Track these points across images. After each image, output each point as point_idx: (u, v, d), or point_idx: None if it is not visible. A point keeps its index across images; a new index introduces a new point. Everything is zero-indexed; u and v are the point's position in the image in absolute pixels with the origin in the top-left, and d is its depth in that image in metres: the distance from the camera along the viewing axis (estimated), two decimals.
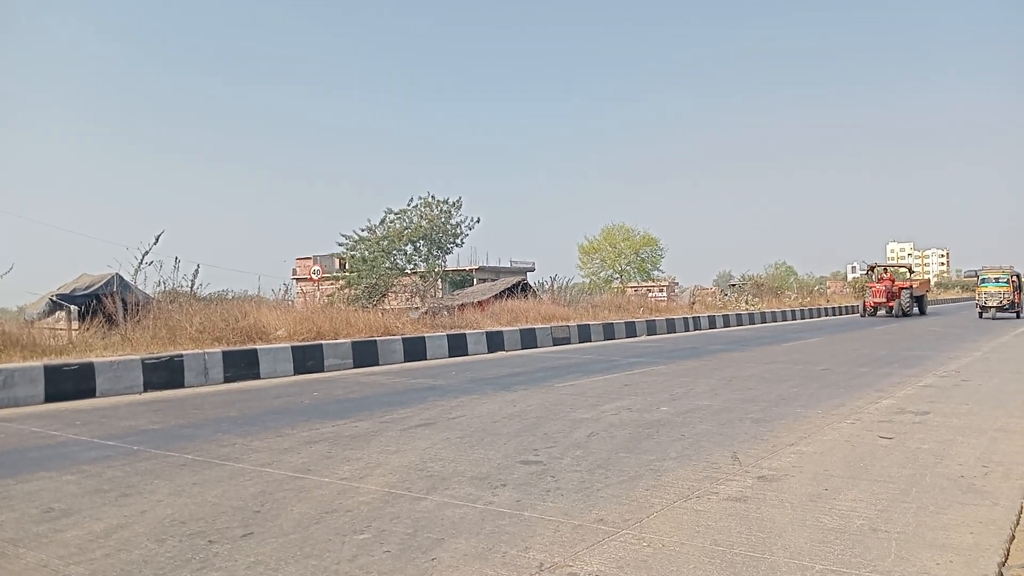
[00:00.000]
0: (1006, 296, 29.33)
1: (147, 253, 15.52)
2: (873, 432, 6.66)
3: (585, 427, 7.02)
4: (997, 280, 29.95)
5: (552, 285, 29.73)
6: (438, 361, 14.64)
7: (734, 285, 47.57)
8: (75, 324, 14.17)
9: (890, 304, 33.06)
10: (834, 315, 38.53)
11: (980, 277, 30.85)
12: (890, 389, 9.49)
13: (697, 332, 24.34)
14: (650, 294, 42.87)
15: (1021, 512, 4.22)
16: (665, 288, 49.28)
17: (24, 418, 8.13)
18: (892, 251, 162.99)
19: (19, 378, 9.10)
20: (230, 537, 3.94)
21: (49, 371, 9.37)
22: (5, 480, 5.28)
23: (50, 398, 9.24)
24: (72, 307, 15.34)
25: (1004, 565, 3.45)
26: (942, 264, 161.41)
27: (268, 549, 3.75)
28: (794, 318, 33.53)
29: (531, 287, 31.83)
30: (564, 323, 20.43)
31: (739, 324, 28.49)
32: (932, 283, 59.67)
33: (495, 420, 7.53)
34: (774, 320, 31.85)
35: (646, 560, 3.52)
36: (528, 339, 17.96)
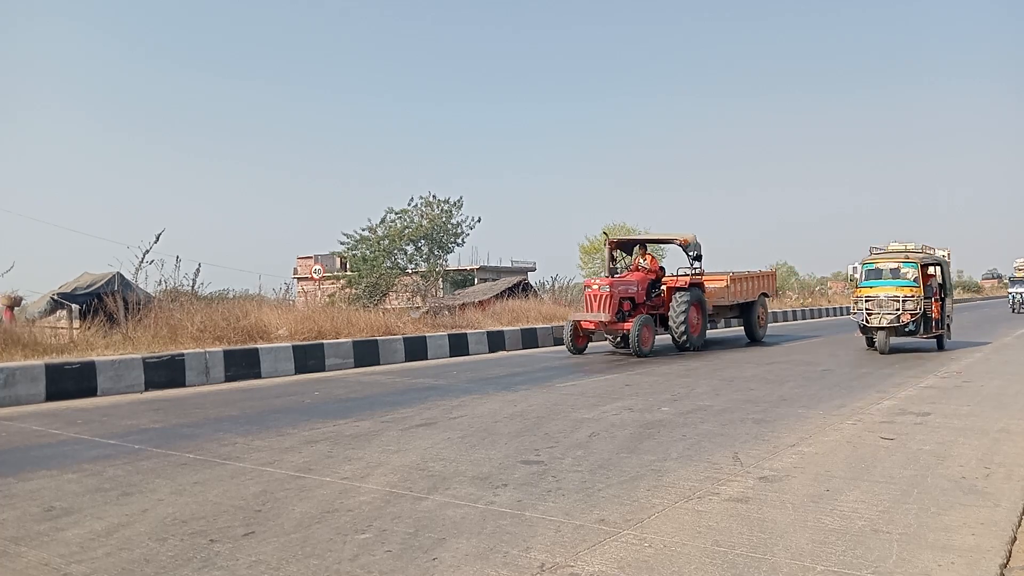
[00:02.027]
0: (910, 303, 14.11)
1: (148, 252, 15.53)
2: (874, 433, 6.65)
3: (586, 427, 7.02)
4: (895, 273, 14.73)
5: (553, 285, 29.72)
6: (439, 361, 14.63)
7: None
8: (76, 323, 14.18)
9: (621, 326, 15.04)
10: (835, 315, 38.50)
11: (863, 267, 15.46)
12: (891, 390, 9.49)
13: None
14: None
15: (1023, 513, 4.22)
16: None
17: (25, 417, 8.13)
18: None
19: (20, 377, 9.10)
20: (231, 536, 3.95)
21: (50, 370, 9.37)
22: (6, 478, 5.29)
23: (51, 397, 9.24)
24: (73, 306, 15.34)
25: (1006, 567, 3.44)
26: None
27: (269, 548, 3.75)
28: (795, 318, 33.45)
29: (532, 287, 31.83)
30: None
31: (740, 325, 28.45)
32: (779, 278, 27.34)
33: (496, 420, 7.53)
34: (775, 320, 31.82)
35: (647, 560, 3.52)
36: (529, 339, 17.92)
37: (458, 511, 4.35)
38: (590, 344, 16.18)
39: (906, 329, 14.34)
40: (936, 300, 15.03)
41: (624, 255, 17.29)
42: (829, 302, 45.20)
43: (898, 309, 14.22)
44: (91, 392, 9.63)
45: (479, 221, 25.70)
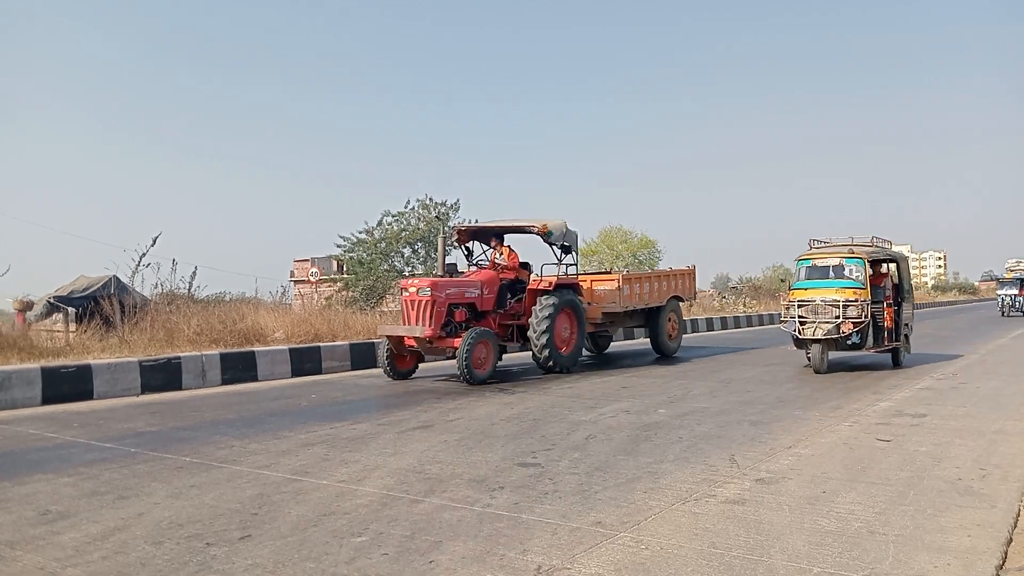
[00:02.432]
0: (852, 309, 11.36)
1: (144, 255, 15.57)
2: (871, 434, 6.67)
3: (583, 429, 7.02)
4: (837, 272, 11.92)
5: None
6: (436, 363, 14.62)
7: (733, 288, 47.57)
8: (72, 326, 14.15)
9: (449, 343, 11.10)
10: None
11: (798, 265, 12.61)
12: (887, 391, 9.50)
13: (695, 334, 24.33)
14: None
15: (1019, 515, 4.23)
16: None
17: (21, 420, 8.11)
18: None
19: (16, 380, 9.08)
20: (227, 540, 3.94)
21: (46, 373, 9.34)
22: (2, 482, 5.27)
23: (47, 400, 9.22)
24: (70, 309, 15.31)
25: (1002, 568, 3.45)
26: (939, 267, 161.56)
27: (266, 552, 3.75)
28: None
29: None
30: None
31: (737, 327, 28.52)
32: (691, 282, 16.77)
33: (493, 422, 7.52)
34: (772, 323, 31.88)
35: (644, 563, 3.52)
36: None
37: (455, 514, 4.35)
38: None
39: (848, 342, 11.43)
40: (889, 305, 12.15)
41: (487, 249, 13.34)
42: None
43: (837, 316, 11.30)
44: (87, 395, 9.61)
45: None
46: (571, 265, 13.08)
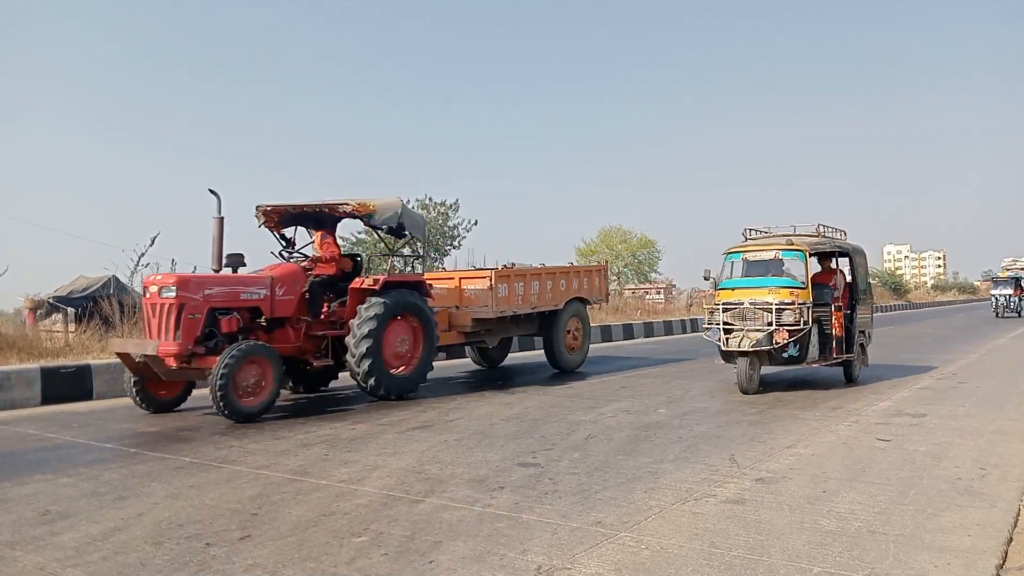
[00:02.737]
0: (788, 314, 9.06)
1: (143, 255, 15.58)
2: (870, 434, 6.67)
3: (583, 429, 7.02)
4: (773, 268, 9.68)
5: None
6: (435, 363, 14.58)
7: None
8: (72, 326, 14.14)
9: (205, 363, 7.79)
10: None
11: (727, 259, 10.03)
12: (887, 391, 9.50)
13: (695, 334, 24.34)
14: (647, 296, 42.86)
15: (1019, 514, 4.23)
16: (662, 290, 49.29)
17: (21, 420, 8.11)
18: (889, 254, 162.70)
19: (16, 380, 9.07)
20: (227, 540, 3.94)
21: (46, 373, 9.34)
22: (2, 483, 5.27)
23: (47, 400, 9.21)
24: (69, 309, 15.31)
25: (1002, 567, 3.45)
26: (939, 267, 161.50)
27: (266, 552, 3.74)
28: None
29: None
30: None
31: None
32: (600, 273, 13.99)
33: (493, 422, 7.52)
34: None
35: (644, 563, 3.52)
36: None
37: (455, 514, 4.35)
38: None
39: (784, 354, 9.21)
40: (838, 309, 9.86)
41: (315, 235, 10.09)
42: None
43: (770, 323, 9.10)
44: (87, 396, 9.60)
45: (475, 223, 25.64)
46: (417, 257, 10.00)
